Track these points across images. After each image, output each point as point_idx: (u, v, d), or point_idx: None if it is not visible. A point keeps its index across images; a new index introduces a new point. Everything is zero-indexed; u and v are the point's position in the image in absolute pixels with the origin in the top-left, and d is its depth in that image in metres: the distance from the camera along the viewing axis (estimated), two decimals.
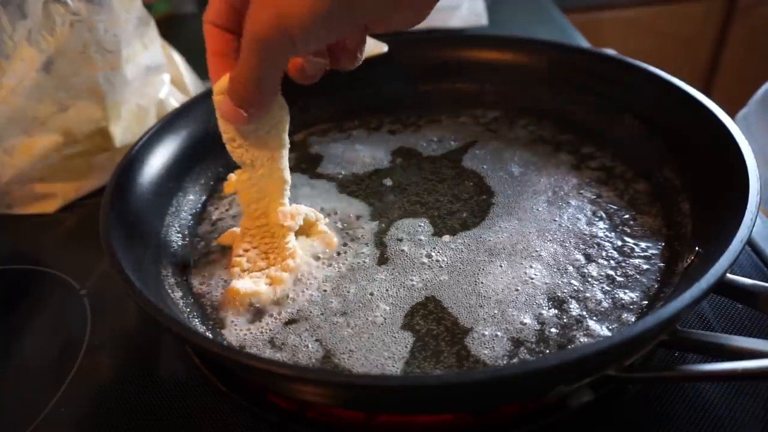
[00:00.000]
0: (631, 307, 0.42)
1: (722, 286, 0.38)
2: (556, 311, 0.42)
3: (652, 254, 0.46)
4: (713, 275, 0.34)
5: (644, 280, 0.44)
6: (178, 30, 0.71)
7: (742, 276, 0.40)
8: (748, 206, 0.38)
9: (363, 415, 0.39)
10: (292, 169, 0.48)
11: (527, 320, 0.42)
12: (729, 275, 0.38)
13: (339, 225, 0.52)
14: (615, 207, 0.51)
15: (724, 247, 0.36)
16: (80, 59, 0.59)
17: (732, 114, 0.48)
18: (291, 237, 0.48)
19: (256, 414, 0.41)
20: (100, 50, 0.60)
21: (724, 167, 0.45)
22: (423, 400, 0.33)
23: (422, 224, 0.51)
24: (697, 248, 0.42)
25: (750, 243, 0.51)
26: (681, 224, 0.47)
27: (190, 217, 0.55)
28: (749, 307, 0.42)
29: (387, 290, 0.45)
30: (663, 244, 0.47)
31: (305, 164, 0.61)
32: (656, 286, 0.43)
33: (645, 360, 0.41)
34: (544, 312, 0.42)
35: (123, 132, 0.64)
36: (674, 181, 0.50)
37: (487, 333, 0.41)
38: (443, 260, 0.47)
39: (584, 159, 0.58)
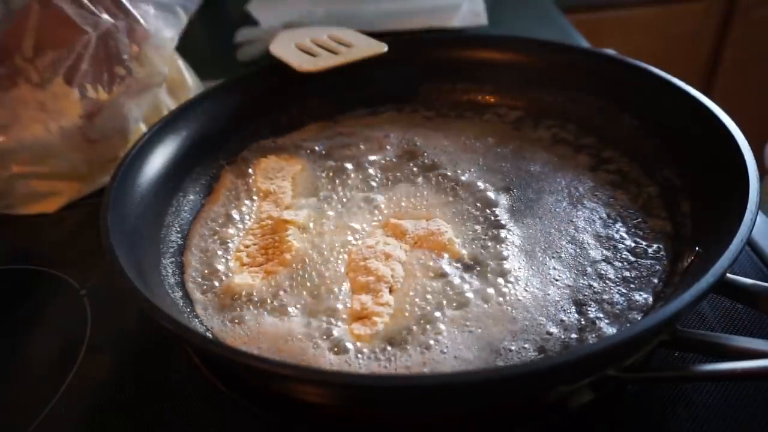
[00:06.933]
0: (644, 309, 0.42)
1: (722, 286, 0.38)
2: (578, 315, 0.42)
3: (662, 255, 0.46)
4: (713, 275, 0.34)
5: (655, 280, 0.44)
6: None
7: (742, 276, 0.40)
8: (748, 206, 0.38)
9: (363, 415, 0.39)
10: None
11: (553, 329, 0.41)
12: (729, 275, 0.38)
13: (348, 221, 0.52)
14: (629, 210, 0.50)
15: (724, 246, 0.36)
16: (121, 109, 0.62)
17: (732, 114, 0.48)
18: (292, 231, 0.48)
19: (256, 414, 0.41)
20: (137, 98, 0.63)
21: (724, 167, 0.45)
22: (423, 400, 0.33)
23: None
24: (697, 248, 0.42)
25: (750, 243, 0.51)
26: (681, 224, 0.47)
27: (190, 217, 0.55)
28: (749, 307, 0.42)
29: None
30: (667, 244, 0.47)
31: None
32: (660, 286, 0.43)
33: (645, 360, 0.41)
34: (566, 317, 0.42)
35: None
36: (674, 181, 0.50)
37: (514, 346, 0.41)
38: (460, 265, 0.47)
39: (602, 162, 0.57)
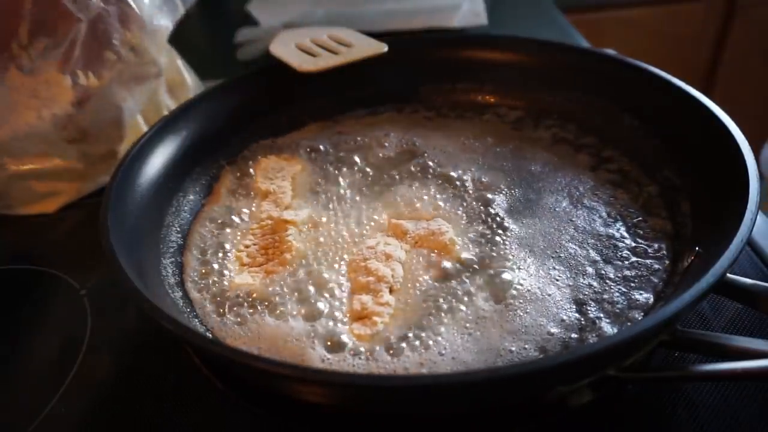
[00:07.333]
0: (645, 309, 0.42)
1: (722, 286, 0.38)
2: (578, 315, 0.42)
3: (663, 255, 0.46)
4: (713, 275, 0.34)
5: (655, 280, 0.44)
6: (178, 29, 0.71)
7: (742, 276, 0.40)
8: (748, 206, 0.38)
9: (363, 415, 0.39)
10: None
11: (554, 329, 0.41)
12: (729, 275, 0.38)
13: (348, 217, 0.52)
14: (630, 209, 0.50)
15: (724, 246, 0.36)
16: (113, 98, 0.61)
17: (732, 114, 0.48)
18: (292, 231, 0.49)
19: (256, 414, 0.41)
20: (130, 88, 0.62)
21: (724, 167, 0.45)
22: (423, 400, 0.33)
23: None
24: (697, 248, 0.42)
25: (750, 243, 0.51)
26: (681, 224, 0.47)
27: (190, 217, 0.55)
28: (749, 307, 0.42)
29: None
30: (668, 244, 0.47)
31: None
32: (660, 286, 0.43)
33: (645, 360, 0.41)
34: (566, 316, 0.42)
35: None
36: (674, 181, 0.50)
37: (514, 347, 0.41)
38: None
39: (603, 162, 0.57)
